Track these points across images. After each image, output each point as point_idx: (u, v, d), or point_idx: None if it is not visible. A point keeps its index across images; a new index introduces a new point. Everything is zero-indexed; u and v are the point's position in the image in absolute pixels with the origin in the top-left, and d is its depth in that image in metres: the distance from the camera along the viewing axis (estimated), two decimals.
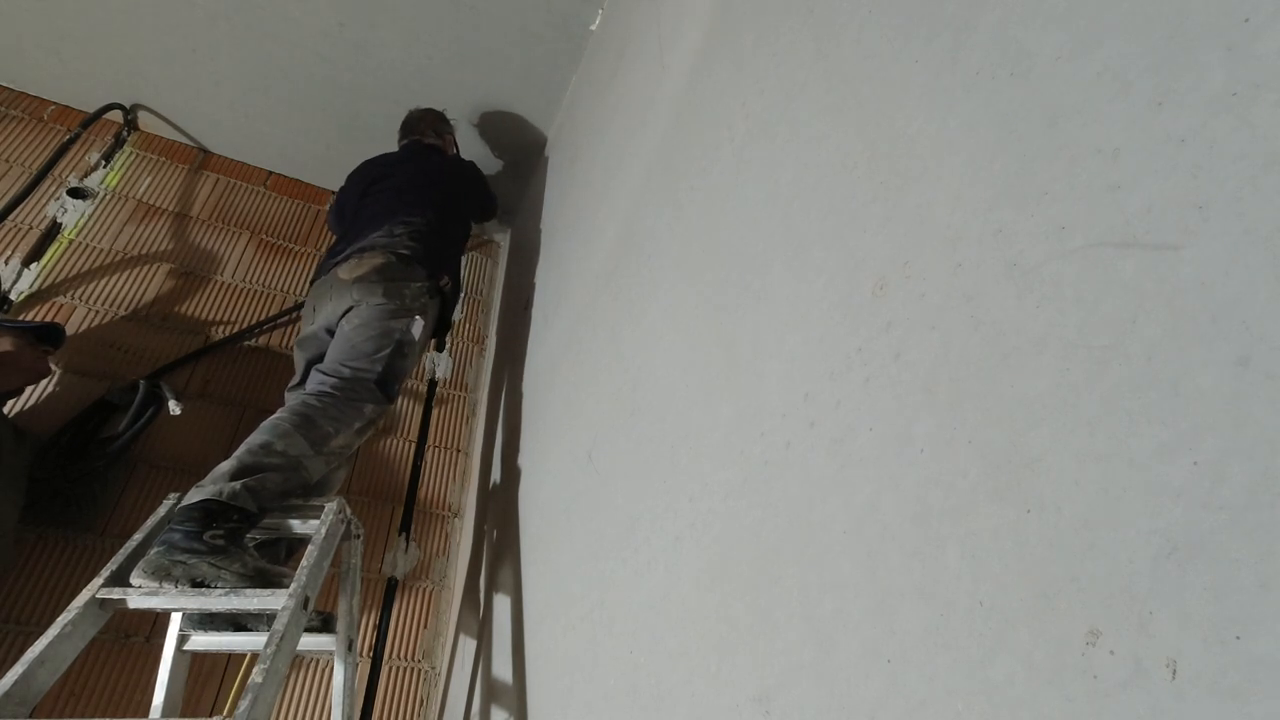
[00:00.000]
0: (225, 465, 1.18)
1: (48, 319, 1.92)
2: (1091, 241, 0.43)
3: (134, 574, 1.01)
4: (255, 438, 1.26)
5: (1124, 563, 0.36)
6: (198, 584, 1.00)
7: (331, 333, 1.60)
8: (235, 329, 2.14)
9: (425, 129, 2.11)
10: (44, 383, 1.79)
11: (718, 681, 0.65)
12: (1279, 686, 0.29)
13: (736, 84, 1.01)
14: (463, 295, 2.73)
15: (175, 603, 1.00)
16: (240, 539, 1.11)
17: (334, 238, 1.94)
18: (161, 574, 1.00)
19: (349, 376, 1.46)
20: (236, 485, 1.13)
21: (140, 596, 0.99)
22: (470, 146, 2.43)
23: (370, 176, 1.92)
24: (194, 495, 1.11)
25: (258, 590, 1.01)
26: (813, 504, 0.60)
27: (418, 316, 1.61)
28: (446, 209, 1.88)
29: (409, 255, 1.66)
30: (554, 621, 1.13)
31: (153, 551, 1.03)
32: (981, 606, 0.43)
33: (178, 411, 1.78)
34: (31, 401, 1.78)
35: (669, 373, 0.96)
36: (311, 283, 1.74)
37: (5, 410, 1.60)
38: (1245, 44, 0.37)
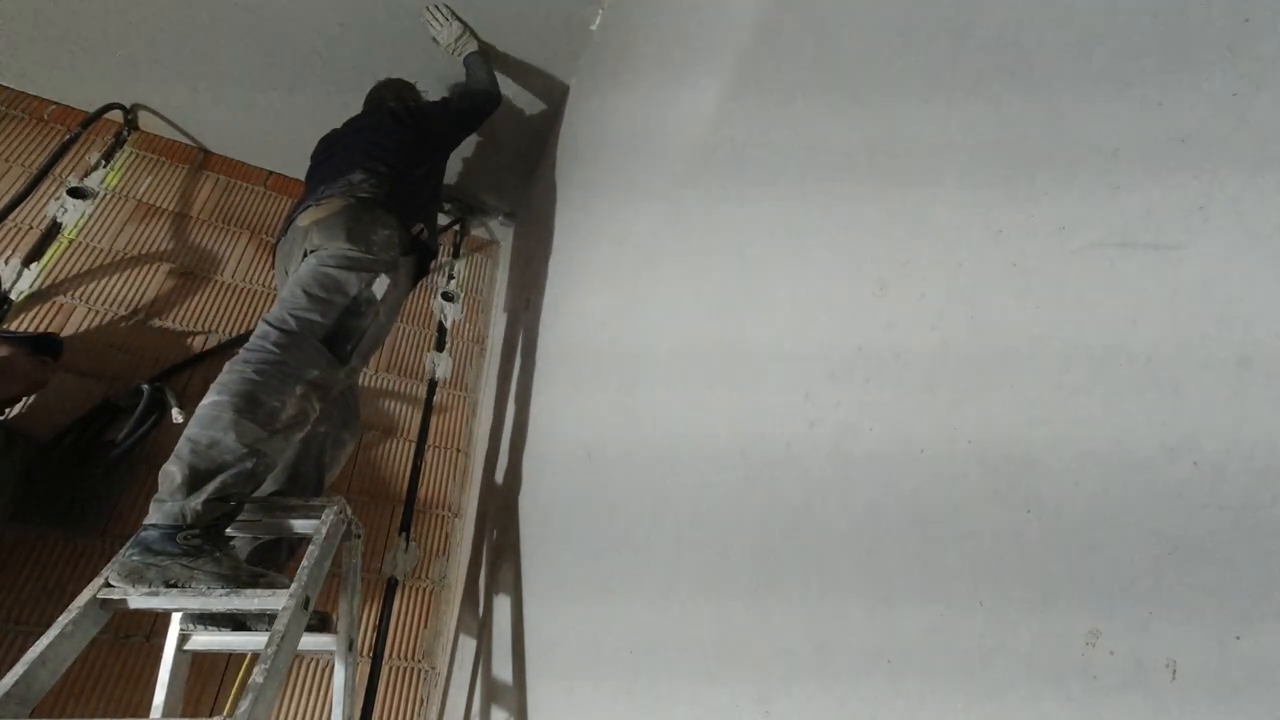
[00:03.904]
0: (176, 472, 1.08)
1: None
2: (1091, 241, 0.43)
3: (110, 575, 0.99)
4: (199, 432, 1.12)
5: (1124, 563, 0.36)
6: (170, 585, 0.99)
7: None
8: (236, 329, 2.14)
9: (389, 95, 2.02)
10: None
11: (718, 681, 0.65)
12: (1279, 686, 0.29)
13: (737, 84, 1.01)
14: (447, 262, 2.65)
15: (176, 603, 1.00)
16: (218, 536, 1.08)
17: None
18: (135, 577, 0.98)
19: (294, 330, 1.27)
20: (198, 505, 1.06)
21: (141, 597, 0.99)
22: (471, 147, 2.43)
23: (327, 144, 1.84)
24: (154, 514, 1.05)
25: (258, 590, 1.01)
26: (813, 504, 0.60)
27: (384, 275, 1.42)
28: (412, 154, 1.72)
29: (370, 199, 1.49)
30: (554, 621, 1.13)
31: (127, 553, 1.01)
32: (981, 606, 0.43)
33: (180, 420, 1.78)
34: (31, 402, 1.78)
35: (669, 372, 0.96)
36: (274, 251, 1.59)
37: (5, 414, 1.61)
38: (1245, 44, 0.37)
